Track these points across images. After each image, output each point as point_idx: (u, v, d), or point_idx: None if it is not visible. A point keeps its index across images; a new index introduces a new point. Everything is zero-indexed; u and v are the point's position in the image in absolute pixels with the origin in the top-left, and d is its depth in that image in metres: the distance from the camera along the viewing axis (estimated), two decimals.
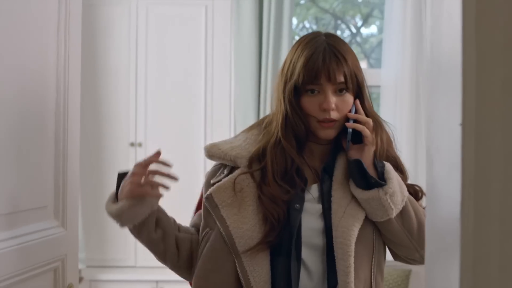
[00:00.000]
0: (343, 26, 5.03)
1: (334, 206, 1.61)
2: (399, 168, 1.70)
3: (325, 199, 1.64)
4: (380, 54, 4.42)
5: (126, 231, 1.73)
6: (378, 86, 4.28)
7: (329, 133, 1.64)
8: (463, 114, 0.76)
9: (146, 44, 4.30)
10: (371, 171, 1.61)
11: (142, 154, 4.23)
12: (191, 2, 4.34)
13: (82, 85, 1.91)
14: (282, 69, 1.68)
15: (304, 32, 5.05)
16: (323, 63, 1.60)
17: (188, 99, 4.31)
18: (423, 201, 1.71)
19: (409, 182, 1.73)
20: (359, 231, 1.59)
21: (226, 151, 1.68)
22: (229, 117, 4.28)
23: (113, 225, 1.72)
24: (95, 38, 4.25)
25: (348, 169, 1.65)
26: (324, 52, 1.61)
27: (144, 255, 4.42)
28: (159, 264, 1.79)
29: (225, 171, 1.69)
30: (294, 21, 4.81)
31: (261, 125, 1.74)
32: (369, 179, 1.60)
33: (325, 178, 1.67)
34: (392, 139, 1.73)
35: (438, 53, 0.89)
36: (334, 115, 1.61)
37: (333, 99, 1.60)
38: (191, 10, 4.32)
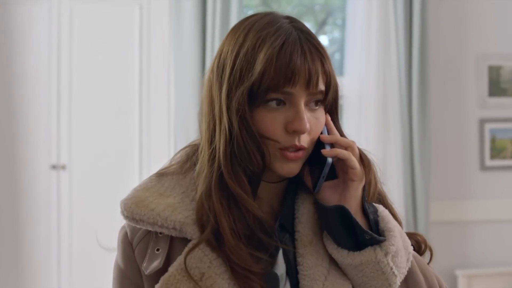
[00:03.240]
0: None
1: (305, 282, 1.07)
2: (389, 211, 1.17)
3: (292, 272, 1.09)
4: (337, 62, 3.95)
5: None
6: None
7: (293, 168, 1.09)
8: None
9: (70, 49, 3.75)
10: (359, 219, 1.08)
11: (66, 179, 3.68)
12: (123, 0, 3.81)
13: None
14: (220, 66, 1.10)
15: None
16: (303, 59, 1.04)
17: (120, 113, 3.77)
18: (425, 257, 1.21)
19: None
20: None
21: (165, 214, 1.08)
22: (168, 133, 3.72)
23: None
24: (9, 42, 3.70)
25: (322, 220, 1.11)
26: (301, 43, 1.06)
27: None
28: None
29: (160, 246, 1.10)
30: None
31: (192, 158, 1.17)
32: (361, 235, 1.06)
33: (285, 239, 1.11)
34: (375, 170, 1.19)
35: None
36: (305, 140, 1.07)
37: (307, 116, 1.06)
38: (123, 10, 3.79)
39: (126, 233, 1.16)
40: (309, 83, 1.04)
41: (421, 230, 3.75)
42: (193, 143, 1.19)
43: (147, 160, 3.72)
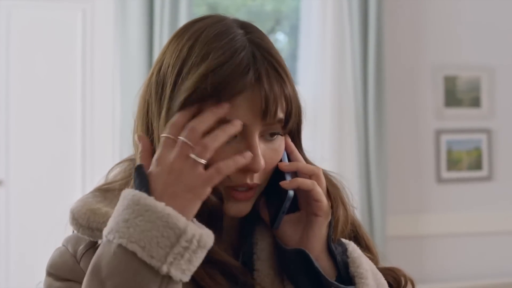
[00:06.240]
0: None
1: None
2: (362, 243, 1.03)
3: None
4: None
5: None
6: None
7: (242, 209, 0.93)
8: None
9: (7, 56, 3.55)
10: (324, 262, 0.93)
11: (3, 195, 3.48)
12: (65, 5, 3.64)
13: None
14: (160, 83, 0.91)
15: None
16: (258, 84, 0.88)
17: (62, 124, 3.59)
18: None
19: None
20: None
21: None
22: (112, 144, 3.53)
23: None
24: None
25: (280, 263, 0.95)
26: (255, 62, 0.87)
27: None
28: None
29: None
30: None
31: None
32: (326, 283, 0.91)
33: (247, 281, 0.94)
34: (346, 197, 1.04)
35: None
36: (258, 177, 0.91)
37: (261, 148, 0.90)
38: (65, 15, 3.61)
39: (65, 249, 0.97)
40: (266, 113, 0.87)
41: (378, 245, 3.63)
42: (132, 157, 1.02)
43: (91, 174, 3.53)
